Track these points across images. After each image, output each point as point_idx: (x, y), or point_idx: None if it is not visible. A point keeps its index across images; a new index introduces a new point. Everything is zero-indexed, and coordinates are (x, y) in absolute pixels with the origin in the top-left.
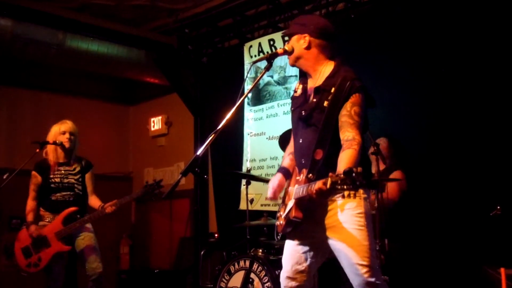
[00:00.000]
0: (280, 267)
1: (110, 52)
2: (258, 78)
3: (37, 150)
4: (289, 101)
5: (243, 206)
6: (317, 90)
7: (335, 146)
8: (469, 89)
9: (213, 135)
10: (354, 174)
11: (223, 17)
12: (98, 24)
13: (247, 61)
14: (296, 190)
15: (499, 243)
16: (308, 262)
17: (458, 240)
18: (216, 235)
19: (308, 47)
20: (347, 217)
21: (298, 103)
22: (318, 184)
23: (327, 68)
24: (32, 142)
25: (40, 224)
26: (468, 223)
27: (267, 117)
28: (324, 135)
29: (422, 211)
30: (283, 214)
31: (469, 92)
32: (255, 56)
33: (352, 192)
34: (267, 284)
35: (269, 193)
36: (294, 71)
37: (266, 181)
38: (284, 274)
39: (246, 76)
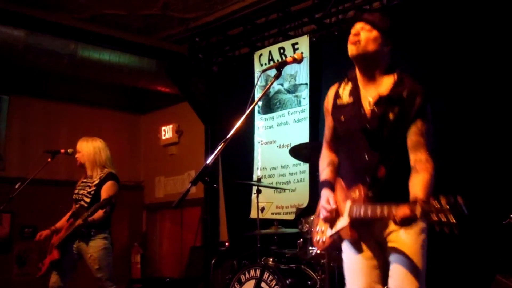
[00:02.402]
0: (291, 275)
1: (122, 61)
2: (267, 86)
3: (49, 160)
4: (300, 109)
5: (253, 214)
6: (381, 99)
7: (399, 167)
8: (481, 97)
9: (222, 144)
10: (458, 205)
11: (233, 25)
12: (110, 34)
13: (257, 70)
14: (350, 208)
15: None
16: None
17: (471, 248)
18: (226, 243)
19: (384, 46)
20: (411, 238)
21: (352, 112)
22: (403, 211)
23: (389, 76)
24: (44, 151)
25: None
26: (481, 231)
27: (277, 125)
28: (387, 152)
29: None
30: (327, 231)
31: (481, 99)
32: (265, 64)
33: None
34: None
35: (324, 215)
36: (305, 79)
37: (276, 189)
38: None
39: (256, 84)
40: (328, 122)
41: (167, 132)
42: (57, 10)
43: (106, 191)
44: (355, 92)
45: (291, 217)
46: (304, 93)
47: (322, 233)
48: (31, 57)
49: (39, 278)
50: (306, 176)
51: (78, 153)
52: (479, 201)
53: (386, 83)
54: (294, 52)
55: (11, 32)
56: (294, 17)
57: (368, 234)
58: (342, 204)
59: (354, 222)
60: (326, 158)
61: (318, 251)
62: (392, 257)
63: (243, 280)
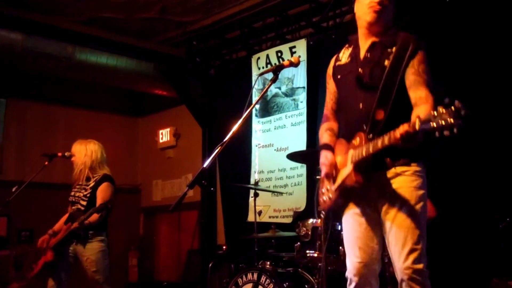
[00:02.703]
0: (288, 279)
1: (119, 64)
2: (264, 90)
3: (46, 163)
4: (297, 112)
5: (251, 218)
6: (374, 45)
7: (398, 108)
8: (480, 101)
9: (220, 147)
10: (456, 105)
11: (230, 29)
12: (107, 37)
13: (254, 73)
14: (352, 154)
15: (509, 255)
16: (377, 238)
17: (467, 251)
18: (224, 247)
19: (392, 7)
20: (409, 194)
21: (349, 68)
22: (403, 128)
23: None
24: (42, 155)
25: None
26: (477, 235)
27: (275, 128)
28: (385, 95)
29: (431, 223)
30: (331, 187)
31: (481, 103)
32: (263, 67)
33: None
34: None
35: (325, 170)
36: (302, 82)
37: (274, 192)
38: (353, 262)
39: (253, 88)
40: (329, 88)
41: (164, 135)
42: (55, 13)
43: (101, 193)
44: (354, 52)
45: (289, 220)
46: (302, 96)
47: (327, 191)
48: (29, 60)
49: (31, 279)
50: (303, 179)
51: (73, 156)
52: (476, 205)
53: (382, 33)
54: (292, 56)
55: (8, 35)
56: (291, 20)
57: (366, 196)
58: (344, 157)
59: (358, 166)
60: (325, 125)
61: (323, 213)
62: (387, 220)
63: (240, 284)
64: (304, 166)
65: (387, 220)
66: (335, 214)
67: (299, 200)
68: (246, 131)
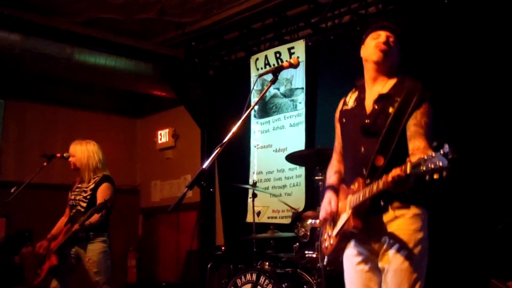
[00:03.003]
0: (287, 279)
1: (118, 65)
2: (263, 91)
3: (45, 164)
4: (296, 113)
5: (250, 218)
6: (381, 97)
7: (398, 156)
8: (479, 102)
9: (219, 148)
10: (444, 149)
11: (229, 30)
12: (106, 38)
13: (253, 74)
14: (350, 199)
15: (508, 256)
16: (375, 277)
17: (466, 252)
18: (223, 248)
19: (397, 52)
20: (407, 236)
21: (354, 114)
22: (395, 172)
23: (393, 79)
24: (41, 156)
25: None
26: (476, 235)
27: (273, 129)
28: (387, 142)
29: (429, 224)
30: (332, 232)
31: (479, 104)
32: (262, 68)
33: (436, 173)
34: None
35: (323, 216)
36: (301, 83)
37: (272, 194)
38: None
39: (252, 89)
40: (337, 132)
41: (163, 136)
42: (53, 14)
43: (101, 194)
44: (360, 97)
45: (287, 221)
46: (300, 97)
47: (329, 237)
48: (27, 61)
49: (37, 285)
50: (302, 180)
51: (72, 156)
52: (474, 205)
53: (389, 84)
54: (290, 57)
55: (7, 36)
56: (290, 21)
57: (365, 240)
58: (344, 202)
59: (356, 211)
60: (334, 167)
61: (326, 260)
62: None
63: (239, 284)
64: (303, 166)
65: (383, 264)
66: (336, 258)
67: (297, 201)
68: (244, 132)
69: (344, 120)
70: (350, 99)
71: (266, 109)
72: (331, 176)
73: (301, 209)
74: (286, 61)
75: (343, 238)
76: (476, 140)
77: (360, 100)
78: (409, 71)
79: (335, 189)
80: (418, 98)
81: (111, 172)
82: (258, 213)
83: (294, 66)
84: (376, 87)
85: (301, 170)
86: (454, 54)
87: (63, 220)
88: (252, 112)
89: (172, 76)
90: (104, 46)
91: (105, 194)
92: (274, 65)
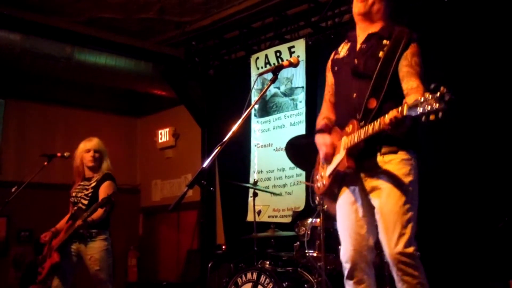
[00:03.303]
0: (288, 278)
1: (118, 65)
2: (264, 90)
3: (45, 163)
4: (296, 112)
5: (250, 217)
6: (370, 36)
7: (390, 97)
8: (477, 101)
9: (219, 147)
10: (441, 90)
11: (229, 29)
12: (106, 37)
13: (253, 73)
14: (345, 140)
15: (508, 255)
16: (367, 226)
17: (466, 251)
18: (223, 247)
19: (386, 2)
20: (396, 181)
21: (346, 60)
22: (392, 113)
23: (381, 23)
24: (41, 155)
25: None
26: (476, 234)
27: (274, 128)
28: (378, 85)
29: (428, 223)
30: (325, 173)
31: (477, 103)
32: (262, 67)
33: (431, 114)
34: None
35: (324, 150)
36: (301, 82)
37: (273, 193)
38: (345, 249)
39: (253, 88)
40: (327, 81)
41: (163, 135)
42: (54, 13)
43: (104, 190)
44: (351, 46)
45: (288, 220)
46: (301, 96)
47: (322, 177)
48: (27, 60)
49: (39, 283)
50: (302, 179)
51: (95, 153)
52: (474, 204)
53: (376, 27)
54: (291, 56)
55: (7, 35)
56: (290, 20)
57: (358, 182)
58: (337, 143)
59: (350, 152)
60: (322, 114)
61: (318, 198)
62: (375, 199)
63: (240, 283)
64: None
65: (376, 207)
66: (329, 199)
67: (298, 200)
68: (245, 131)
69: (336, 68)
70: (342, 49)
71: (267, 108)
72: (320, 121)
73: (301, 208)
74: (286, 60)
75: (336, 178)
76: (477, 140)
77: (352, 48)
78: None
79: (325, 131)
80: (407, 39)
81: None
82: (259, 212)
83: (294, 65)
84: (366, 30)
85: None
86: (454, 52)
87: (67, 217)
88: (253, 111)
89: (172, 75)
90: (104, 46)
91: (107, 191)
92: (274, 64)
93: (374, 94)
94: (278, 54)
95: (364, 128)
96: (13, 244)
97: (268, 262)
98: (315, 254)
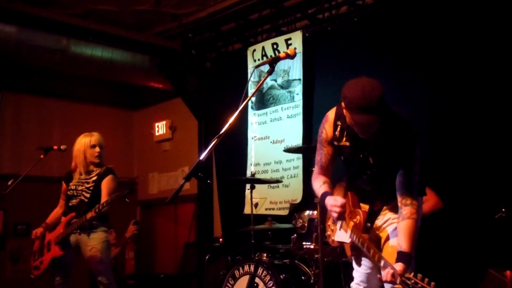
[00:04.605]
0: (285, 270)
1: (114, 57)
2: (260, 82)
3: (42, 156)
4: (293, 104)
5: (247, 210)
6: (375, 150)
7: (391, 197)
8: (474, 91)
9: (216, 140)
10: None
11: (226, 21)
12: (102, 29)
13: (250, 65)
14: (352, 232)
15: (505, 246)
16: None
17: (463, 242)
18: (220, 239)
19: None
20: None
21: (351, 155)
22: (389, 275)
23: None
24: (37, 148)
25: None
26: (473, 225)
27: (271, 121)
28: (382, 189)
29: (426, 215)
30: (336, 233)
31: (473, 94)
32: (259, 60)
33: None
34: None
35: (338, 211)
36: (298, 74)
37: (270, 183)
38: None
39: (249, 80)
40: (325, 151)
41: (160, 128)
42: (49, 5)
43: (106, 185)
44: (351, 134)
45: (285, 212)
46: (298, 88)
47: (332, 231)
48: (23, 53)
49: (37, 277)
50: (299, 171)
51: (101, 150)
52: (471, 195)
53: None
54: (287, 48)
55: (2, 28)
56: (287, 12)
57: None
58: (348, 214)
59: (353, 246)
60: (320, 179)
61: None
62: None
63: (237, 276)
64: (301, 158)
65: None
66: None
67: (295, 192)
68: (242, 124)
69: (342, 158)
70: (340, 133)
71: (264, 100)
72: (321, 186)
73: (298, 200)
74: (283, 52)
75: (337, 247)
76: (474, 131)
77: (354, 141)
78: (406, 63)
79: (330, 193)
80: (408, 147)
81: (109, 164)
82: (256, 205)
83: (291, 56)
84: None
85: (298, 162)
86: (450, 46)
87: (58, 210)
88: (250, 104)
89: (169, 68)
90: (100, 38)
91: (110, 186)
92: (271, 56)
93: (378, 197)
94: (275, 46)
95: (367, 243)
96: (10, 237)
97: (265, 255)
98: (312, 246)
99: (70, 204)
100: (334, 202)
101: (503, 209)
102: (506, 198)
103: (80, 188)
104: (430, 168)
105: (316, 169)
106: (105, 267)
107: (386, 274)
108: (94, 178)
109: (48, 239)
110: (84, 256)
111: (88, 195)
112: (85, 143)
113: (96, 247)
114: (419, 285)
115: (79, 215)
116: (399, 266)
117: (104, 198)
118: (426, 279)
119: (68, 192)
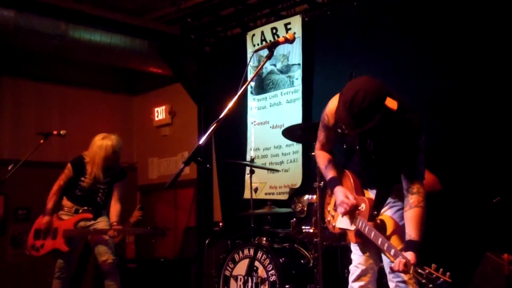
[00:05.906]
0: (284, 254)
1: (113, 42)
2: (259, 67)
3: (41, 141)
4: (292, 89)
5: (247, 195)
6: (378, 140)
7: (398, 177)
8: (471, 81)
9: (215, 124)
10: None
11: (225, 6)
12: (101, 14)
13: (249, 50)
14: (357, 219)
15: (503, 229)
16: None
17: (461, 226)
18: (220, 224)
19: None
20: None
21: (353, 144)
22: (401, 265)
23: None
24: (37, 133)
25: (59, 213)
26: (471, 209)
27: (270, 106)
28: (385, 176)
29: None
30: (338, 220)
31: (471, 84)
32: (258, 44)
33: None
34: (271, 272)
35: (345, 209)
36: (297, 59)
37: (270, 169)
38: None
39: (248, 65)
40: (326, 134)
41: (159, 113)
42: None
43: (118, 189)
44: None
45: (285, 197)
46: (297, 73)
47: (332, 217)
48: (21, 38)
49: (36, 258)
50: (299, 156)
51: (120, 151)
52: (469, 179)
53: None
54: (287, 32)
55: (1, 12)
56: None
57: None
58: (351, 193)
59: (358, 233)
60: (323, 157)
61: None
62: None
63: (237, 260)
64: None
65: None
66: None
67: (295, 177)
68: (241, 109)
69: (344, 146)
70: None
71: (263, 85)
72: (327, 166)
73: (298, 185)
74: (282, 36)
75: (341, 237)
76: (474, 118)
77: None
78: (406, 47)
79: (339, 181)
80: (414, 137)
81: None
82: (256, 189)
83: (290, 41)
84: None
85: (298, 146)
86: (451, 30)
87: (56, 192)
88: (249, 89)
89: (168, 52)
90: (99, 23)
91: (122, 189)
92: (270, 41)
93: (383, 185)
94: (274, 31)
95: (374, 232)
96: (10, 222)
97: (265, 239)
98: (311, 230)
99: (79, 194)
100: (346, 200)
101: (499, 198)
102: (503, 183)
103: (94, 187)
104: (429, 153)
105: (318, 145)
106: (110, 249)
107: (398, 263)
108: (108, 179)
109: (56, 226)
110: (90, 238)
111: (103, 198)
112: (106, 148)
113: (101, 229)
114: (434, 275)
115: (95, 217)
116: (409, 255)
117: (114, 201)
118: (441, 269)
119: (80, 183)
